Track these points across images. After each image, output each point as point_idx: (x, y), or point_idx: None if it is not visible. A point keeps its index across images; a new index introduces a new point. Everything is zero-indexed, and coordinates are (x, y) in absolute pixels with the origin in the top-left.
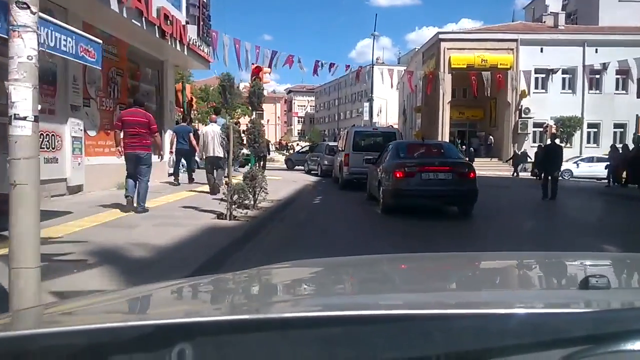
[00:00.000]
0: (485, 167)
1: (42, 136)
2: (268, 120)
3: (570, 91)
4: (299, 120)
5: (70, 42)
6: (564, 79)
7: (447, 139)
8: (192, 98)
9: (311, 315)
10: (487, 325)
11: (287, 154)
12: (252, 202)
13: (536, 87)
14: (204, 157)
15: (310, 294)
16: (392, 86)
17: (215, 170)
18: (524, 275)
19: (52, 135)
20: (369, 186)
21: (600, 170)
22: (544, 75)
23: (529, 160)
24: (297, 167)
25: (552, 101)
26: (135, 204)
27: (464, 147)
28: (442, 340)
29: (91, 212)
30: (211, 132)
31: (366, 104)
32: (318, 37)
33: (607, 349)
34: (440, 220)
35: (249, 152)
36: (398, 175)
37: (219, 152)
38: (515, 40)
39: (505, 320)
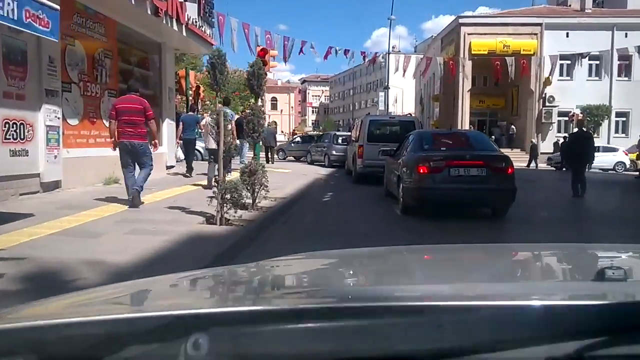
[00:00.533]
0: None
1: (6, 125)
2: (282, 110)
3: (597, 78)
4: (313, 111)
5: (10, 5)
6: (590, 65)
7: (467, 128)
8: (198, 86)
9: (325, 307)
10: (502, 317)
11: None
12: (250, 202)
13: (561, 74)
14: (206, 148)
15: (325, 285)
16: (404, 75)
17: (215, 163)
18: (539, 267)
19: (21, 123)
20: (386, 181)
21: (606, 160)
22: (569, 62)
23: (539, 152)
24: (289, 159)
25: (578, 89)
26: (131, 196)
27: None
28: (457, 332)
29: (57, 215)
30: (210, 122)
31: (381, 94)
32: (332, 26)
33: (623, 341)
34: (471, 222)
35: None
36: (421, 170)
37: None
38: (540, 24)
39: (520, 312)
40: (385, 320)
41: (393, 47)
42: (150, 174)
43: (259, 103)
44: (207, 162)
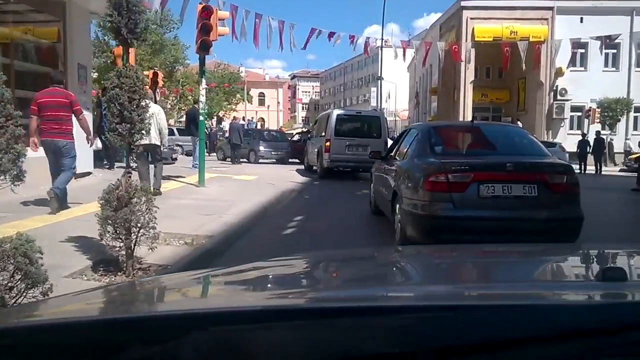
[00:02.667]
0: None
1: None
2: (269, 106)
3: (613, 68)
4: (303, 107)
5: None
6: (607, 54)
7: None
8: (156, 72)
9: (325, 307)
10: (502, 317)
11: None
12: (125, 257)
13: (574, 64)
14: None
15: (325, 285)
16: (404, 59)
17: (154, 164)
18: (539, 267)
19: None
20: (375, 195)
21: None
22: (583, 50)
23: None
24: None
25: (593, 80)
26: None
27: None
28: (457, 332)
29: None
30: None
31: (373, 89)
32: (323, 24)
33: (624, 341)
34: None
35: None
36: (434, 187)
37: (156, 139)
38: (551, 8)
39: (520, 312)
40: (385, 320)
41: (385, 41)
42: (72, 176)
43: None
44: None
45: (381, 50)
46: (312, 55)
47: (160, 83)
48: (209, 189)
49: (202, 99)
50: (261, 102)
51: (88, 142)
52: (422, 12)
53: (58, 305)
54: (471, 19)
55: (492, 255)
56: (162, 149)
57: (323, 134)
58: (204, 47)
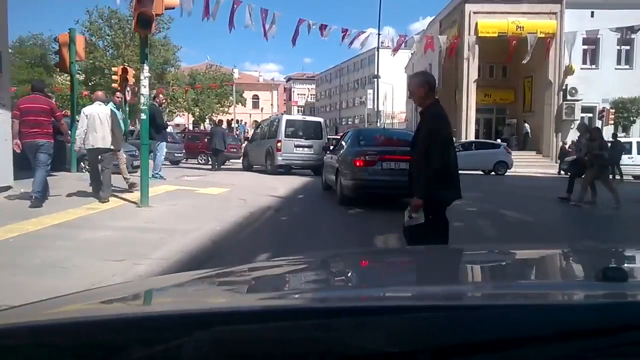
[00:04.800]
0: (523, 163)
1: None
2: (262, 109)
3: (627, 66)
4: (298, 110)
5: None
6: (619, 51)
7: (472, 128)
8: (125, 69)
9: (325, 307)
10: (503, 317)
11: None
12: None
13: (584, 62)
14: (85, 149)
15: (325, 285)
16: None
17: (102, 170)
18: (539, 267)
19: None
20: (325, 177)
21: (485, 158)
22: (594, 47)
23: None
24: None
25: (604, 79)
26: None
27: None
28: (457, 332)
29: None
30: (99, 114)
31: (370, 91)
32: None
33: (624, 341)
34: None
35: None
36: (359, 164)
37: (108, 142)
38: (560, 1)
39: (520, 312)
40: (385, 320)
41: (382, 43)
42: (46, 176)
43: None
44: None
45: (377, 50)
46: (308, 58)
47: (131, 80)
48: (151, 210)
49: (144, 91)
50: (255, 105)
51: (68, 143)
52: (419, 16)
53: (58, 306)
54: (474, 13)
55: (492, 255)
56: (114, 153)
57: (269, 136)
58: (143, 23)
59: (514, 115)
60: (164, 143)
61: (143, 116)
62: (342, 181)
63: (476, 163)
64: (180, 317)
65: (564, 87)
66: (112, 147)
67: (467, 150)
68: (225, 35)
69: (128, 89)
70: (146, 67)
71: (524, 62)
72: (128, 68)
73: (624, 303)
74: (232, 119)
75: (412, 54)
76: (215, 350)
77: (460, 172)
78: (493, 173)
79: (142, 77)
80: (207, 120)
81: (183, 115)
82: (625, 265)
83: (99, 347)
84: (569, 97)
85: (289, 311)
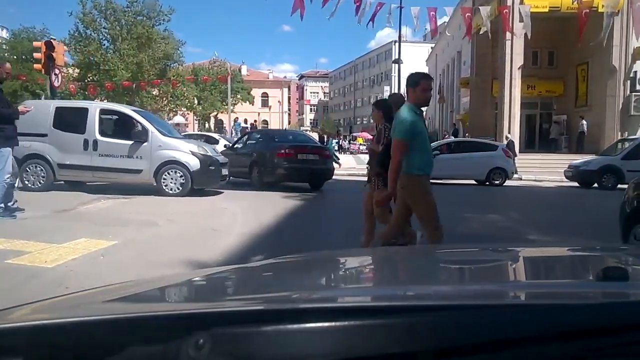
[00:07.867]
0: None
1: None
2: (270, 107)
3: None
4: (311, 109)
5: None
6: None
7: (517, 126)
8: (50, 43)
9: (326, 307)
10: (502, 317)
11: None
12: None
13: None
14: None
15: (325, 285)
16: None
17: None
18: (539, 267)
19: None
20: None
21: (478, 163)
22: None
23: None
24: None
25: None
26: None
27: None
28: (457, 332)
29: None
30: None
31: (386, 87)
32: (335, 28)
33: (624, 341)
34: None
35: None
36: (280, 156)
37: None
38: None
39: (520, 312)
40: (385, 320)
41: (396, 41)
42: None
43: None
44: None
45: (399, 21)
46: (324, 58)
47: (61, 61)
48: None
49: None
50: (264, 103)
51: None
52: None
53: (58, 305)
54: None
55: (492, 255)
56: None
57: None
58: None
59: (563, 111)
60: (9, 150)
61: None
62: (262, 171)
63: (466, 170)
64: (180, 317)
65: (632, 75)
66: None
67: (453, 152)
68: (240, 34)
69: (57, 70)
70: None
71: (593, 44)
72: (56, 44)
73: (624, 303)
74: (217, 115)
75: (431, 48)
76: (215, 350)
77: (444, 182)
78: (487, 183)
79: None
80: (212, 119)
81: (188, 113)
82: (626, 265)
83: (99, 347)
84: (638, 87)
85: (289, 311)
